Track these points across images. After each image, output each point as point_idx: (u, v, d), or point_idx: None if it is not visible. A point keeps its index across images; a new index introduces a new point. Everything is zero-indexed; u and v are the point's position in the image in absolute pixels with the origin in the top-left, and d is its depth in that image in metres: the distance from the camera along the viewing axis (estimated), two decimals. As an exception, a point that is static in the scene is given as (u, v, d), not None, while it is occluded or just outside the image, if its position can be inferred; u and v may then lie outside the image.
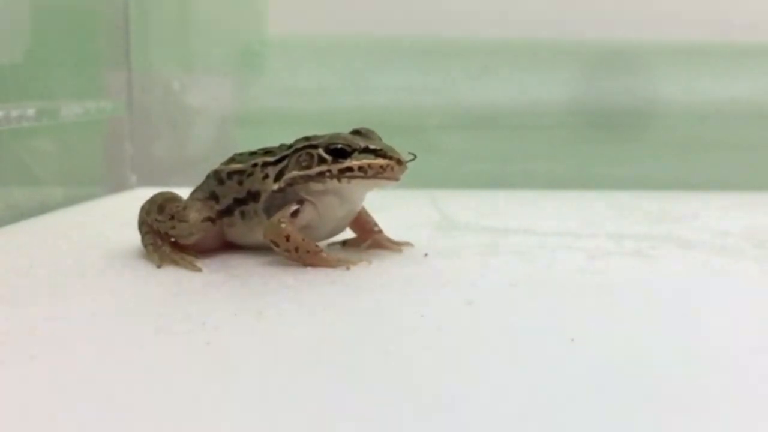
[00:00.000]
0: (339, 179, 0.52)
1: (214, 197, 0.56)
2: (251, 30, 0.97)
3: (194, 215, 0.55)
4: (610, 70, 0.95)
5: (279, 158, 0.54)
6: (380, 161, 0.51)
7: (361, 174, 0.52)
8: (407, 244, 0.59)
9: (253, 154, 0.56)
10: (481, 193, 0.90)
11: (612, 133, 0.96)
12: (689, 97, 0.94)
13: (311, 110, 0.95)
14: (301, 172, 0.53)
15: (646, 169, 0.95)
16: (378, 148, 0.52)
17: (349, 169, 0.52)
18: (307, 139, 0.54)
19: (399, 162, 0.52)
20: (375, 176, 0.52)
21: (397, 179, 0.52)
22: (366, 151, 0.52)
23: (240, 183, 0.55)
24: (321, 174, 0.52)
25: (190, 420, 0.31)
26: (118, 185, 0.92)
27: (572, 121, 0.96)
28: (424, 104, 0.95)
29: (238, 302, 0.46)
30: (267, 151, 0.56)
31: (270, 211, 0.54)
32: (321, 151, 0.52)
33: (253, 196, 0.55)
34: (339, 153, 0.52)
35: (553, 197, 0.87)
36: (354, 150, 0.52)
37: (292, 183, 0.53)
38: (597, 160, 0.96)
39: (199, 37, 0.97)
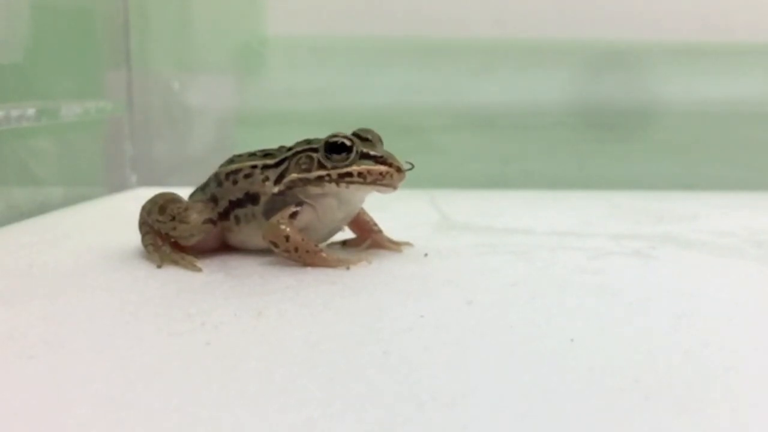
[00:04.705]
0: (338, 183, 0.52)
1: (213, 200, 0.56)
2: (251, 30, 0.97)
3: (195, 217, 0.55)
4: (610, 70, 0.95)
5: (279, 161, 0.54)
6: (380, 168, 0.51)
7: (360, 180, 0.52)
8: (407, 244, 0.59)
9: (252, 155, 0.56)
10: (481, 193, 0.90)
11: (611, 133, 0.96)
12: (689, 97, 0.94)
13: (311, 110, 0.95)
14: (300, 175, 0.53)
15: (646, 169, 0.95)
16: (378, 154, 0.52)
17: (349, 174, 0.52)
18: (308, 142, 0.54)
19: (398, 170, 0.52)
20: (374, 183, 0.52)
21: (395, 188, 0.52)
22: (366, 156, 0.52)
23: (235, 183, 0.55)
24: (320, 178, 0.52)
25: (190, 420, 0.31)
26: (118, 185, 0.92)
27: (572, 121, 0.96)
28: (424, 104, 0.95)
29: (238, 302, 0.46)
30: (266, 154, 0.56)
31: (269, 214, 0.54)
32: (320, 155, 0.52)
33: (252, 198, 0.55)
34: (339, 148, 0.52)
35: (553, 197, 0.87)
36: (353, 145, 0.52)
37: (291, 186, 0.53)
38: (597, 160, 0.96)
39: (198, 37, 0.97)
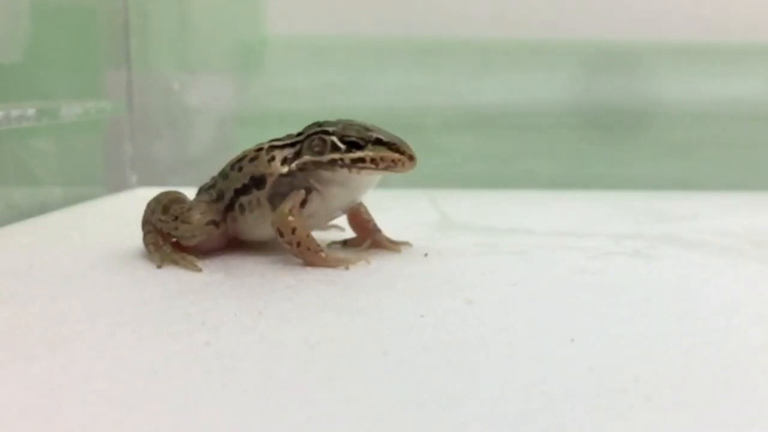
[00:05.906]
0: (350, 169, 0.52)
1: (220, 196, 0.56)
2: (251, 30, 0.97)
3: (198, 217, 0.55)
4: (610, 70, 0.95)
5: (288, 143, 0.54)
6: (393, 155, 0.52)
7: (372, 166, 0.52)
8: (406, 244, 0.59)
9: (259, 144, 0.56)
10: (481, 193, 0.90)
11: (612, 133, 0.96)
12: (689, 97, 0.94)
13: (311, 110, 0.94)
14: (313, 158, 0.53)
15: (646, 169, 0.95)
16: (391, 141, 0.52)
17: (362, 159, 0.52)
18: (318, 124, 0.54)
19: (411, 158, 0.52)
20: (386, 169, 0.52)
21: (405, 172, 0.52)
22: (378, 143, 0.52)
23: (240, 169, 0.55)
24: (332, 161, 0.52)
25: (190, 420, 0.31)
26: (118, 185, 0.92)
27: (572, 121, 0.96)
28: (424, 104, 0.95)
29: (238, 302, 0.46)
30: (273, 140, 0.56)
31: (274, 199, 0.54)
32: (335, 139, 0.52)
33: (257, 182, 0.54)
34: (352, 145, 0.52)
35: (553, 197, 0.87)
36: (367, 142, 0.52)
37: (303, 168, 0.53)
38: (597, 160, 0.96)
39: (199, 37, 0.97)
